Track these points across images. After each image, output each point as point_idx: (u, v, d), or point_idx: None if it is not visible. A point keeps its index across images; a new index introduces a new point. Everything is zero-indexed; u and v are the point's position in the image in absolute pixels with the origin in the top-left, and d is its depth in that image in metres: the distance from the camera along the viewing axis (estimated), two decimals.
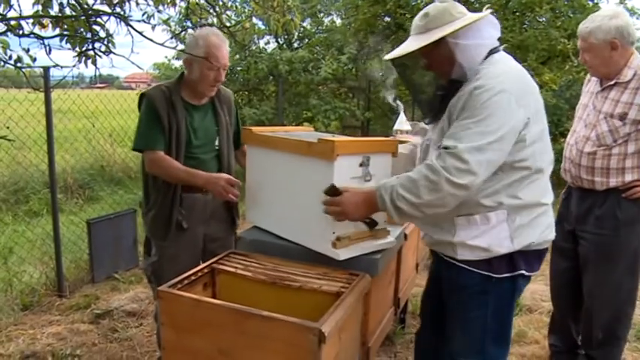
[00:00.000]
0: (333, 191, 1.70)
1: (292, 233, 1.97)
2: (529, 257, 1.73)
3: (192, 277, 1.75)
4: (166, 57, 9.14)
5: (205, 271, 1.82)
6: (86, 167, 7.19)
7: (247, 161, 2.17)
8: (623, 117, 2.26)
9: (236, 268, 1.84)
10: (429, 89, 1.88)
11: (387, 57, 1.78)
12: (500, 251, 1.68)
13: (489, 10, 1.71)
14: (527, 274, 1.74)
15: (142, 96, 2.30)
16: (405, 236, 2.32)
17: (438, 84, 1.81)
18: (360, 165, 1.83)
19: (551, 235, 1.78)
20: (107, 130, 6.85)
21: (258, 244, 2.00)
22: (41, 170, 5.55)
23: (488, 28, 1.71)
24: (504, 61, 1.71)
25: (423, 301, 2.15)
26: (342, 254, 1.79)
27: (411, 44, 1.71)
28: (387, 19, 9.15)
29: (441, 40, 1.65)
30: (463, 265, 1.74)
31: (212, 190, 2.21)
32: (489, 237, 1.67)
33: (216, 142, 2.38)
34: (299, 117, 8.00)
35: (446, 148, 1.55)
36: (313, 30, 10.46)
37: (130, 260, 4.18)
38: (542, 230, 1.73)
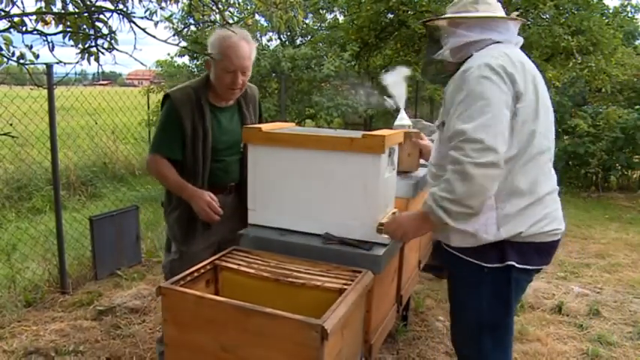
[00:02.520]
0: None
1: (321, 227, 1.98)
2: (523, 249, 1.72)
3: (195, 274, 1.75)
4: (169, 54, 9.14)
5: (208, 267, 1.82)
6: (89, 164, 7.21)
7: (252, 162, 2.09)
8: None
9: (239, 265, 1.84)
10: (432, 66, 2.03)
11: (424, 20, 2.00)
12: (487, 238, 1.70)
13: (514, 14, 1.84)
14: (519, 265, 1.72)
15: (166, 97, 2.24)
16: None
17: (438, 63, 1.96)
18: (389, 155, 1.96)
19: (550, 227, 1.74)
20: (110, 127, 6.87)
21: (261, 241, 2.00)
22: (44, 167, 5.57)
23: (487, 32, 1.79)
24: (502, 48, 1.74)
25: None
26: (386, 237, 1.92)
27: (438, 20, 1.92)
28: (390, 15, 9.13)
29: (444, 25, 1.83)
30: (457, 253, 1.79)
31: (194, 208, 2.19)
32: (477, 223, 1.70)
33: (242, 144, 2.33)
34: (302, 114, 8.01)
35: (456, 135, 1.59)
36: (316, 27, 10.44)
37: (132, 257, 4.18)
38: (535, 221, 1.71)
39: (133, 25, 2.16)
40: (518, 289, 1.82)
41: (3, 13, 1.97)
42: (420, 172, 2.60)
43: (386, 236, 1.86)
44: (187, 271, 1.73)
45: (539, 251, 1.77)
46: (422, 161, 2.61)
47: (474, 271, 1.76)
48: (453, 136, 1.61)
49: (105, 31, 2.22)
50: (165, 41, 2.19)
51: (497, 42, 1.77)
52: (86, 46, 2.22)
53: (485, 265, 1.73)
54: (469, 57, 1.76)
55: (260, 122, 2.47)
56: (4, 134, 2.05)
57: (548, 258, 1.82)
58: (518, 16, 1.86)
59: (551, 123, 1.77)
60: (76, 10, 2.24)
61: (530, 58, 1.80)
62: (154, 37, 2.11)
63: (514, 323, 1.93)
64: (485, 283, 1.76)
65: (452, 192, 1.57)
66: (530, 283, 1.91)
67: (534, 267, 1.78)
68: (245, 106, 2.37)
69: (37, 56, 2.13)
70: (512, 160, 1.66)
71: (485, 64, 1.63)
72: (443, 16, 1.88)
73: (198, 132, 2.19)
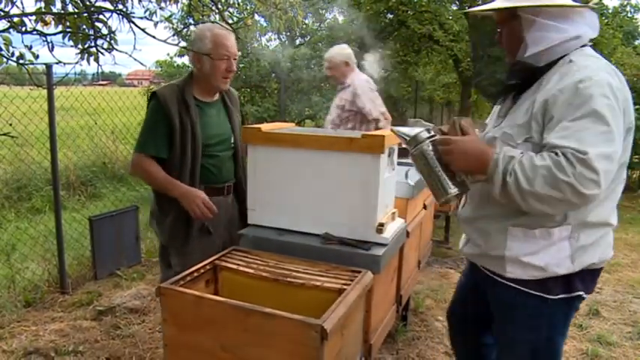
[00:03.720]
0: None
1: (321, 227, 1.98)
2: (586, 277, 1.57)
3: (195, 274, 1.75)
4: (168, 54, 9.14)
5: (207, 267, 1.82)
6: (88, 164, 7.20)
7: (252, 162, 2.09)
8: None
9: (238, 265, 1.84)
10: (493, 66, 1.76)
11: (466, 10, 1.79)
12: (558, 272, 1.52)
13: (592, 3, 1.58)
14: (585, 295, 1.58)
15: (153, 95, 2.24)
16: (407, 234, 2.32)
17: (506, 62, 1.65)
18: (389, 155, 1.97)
19: (611, 253, 1.61)
20: (109, 127, 6.86)
21: (261, 241, 2.00)
22: (44, 167, 5.56)
23: (579, 25, 1.51)
24: (598, 56, 1.52)
25: (455, 319, 2.05)
26: (386, 237, 1.94)
27: (492, 4, 1.57)
28: (390, 15, 9.14)
29: (517, 14, 1.51)
30: (512, 284, 1.58)
31: (186, 206, 2.15)
32: (548, 255, 1.51)
33: (232, 140, 2.35)
34: (301, 114, 8.01)
35: (571, 151, 1.33)
36: (315, 27, 10.44)
37: (132, 257, 4.18)
38: (603, 249, 1.57)
39: (132, 25, 2.16)
40: (573, 316, 1.69)
41: (2, 14, 1.97)
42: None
43: (386, 236, 1.85)
44: (187, 271, 1.74)
45: (595, 276, 1.63)
46: None
47: (533, 303, 1.57)
48: (563, 144, 1.36)
49: (104, 31, 2.23)
50: (164, 41, 2.19)
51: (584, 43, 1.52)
52: (86, 46, 2.23)
53: (550, 297, 1.55)
54: (559, 59, 1.50)
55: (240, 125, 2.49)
56: (4, 134, 2.05)
57: (597, 281, 1.68)
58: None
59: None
60: (76, 11, 2.24)
61: None
62: (154, 37, 2.11)
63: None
64: (547, 315, 1.58)
65: (529, 183, 1.36)
66: None
67: (591, 293, 1.64)
68: (230, 102, 2.40)
69: (36, 56, 2.13)
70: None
71: (607, 83, 1.40)
72: (529, 3, 1.49)
73: (187, 126, 2.17)
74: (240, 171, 2.37)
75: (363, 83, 3.83)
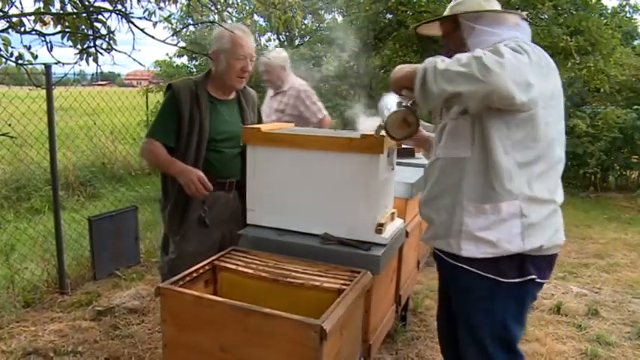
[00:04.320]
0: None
1: (320, 227, 1.99)
2: (540, 262, 1.65)
3: (194, 274, 1.75)
4: (168, 54, 9.15)
5: (207, 268, 1.82)
6: (87, 164, 7.19)
7: (252, 162, 2.10)
8: None
9: (237, 265, 1.84)
10: None
11: (412, 26, 1.88)
12: (509, 249, 1.60)
13: (523, 13, 1.74)
14: (538, 280, 1.65)
15: (169, 87, 2.34)
16: (407, 234, 2.32)
17: None
18: (388, 156, 1.98)
19: (562, 238, 1.69)
20: (108, 127, 6.86)
21: (260, 241, 2.00)
22: (43, 167, 5.56)
23: (513, 31, 1.68)
24: None
25: (438, 325, 2.08)
26: (385, 237, 1.94)
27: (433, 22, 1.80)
28: (389, 16, 9.14)
29: (459, 23, 1.70)
30: (467, 267, 1.66)
31: (183, 182, 2.21)
32: (499, 231, 1.60)
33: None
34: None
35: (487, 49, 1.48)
36: (315, 27, 10.45)
37: (131, 257, 4.18)
38: (553, 232, 1.65)
39: (131, 25, 2.16)
40: (531, 302, 1.76)
41: (1, 14, 1.97)
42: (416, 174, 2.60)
43: (385, 236, 1.86)
44: (186, 272, 1.74)
45: (550, 263, 1.71)
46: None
47: (487, 286, 1.64)
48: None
49: (103, 31, 2.23)
50: (163, 41, 2.20)
51: None
52: (85, 46, 2.23)
53: (504, 280, 1.63)
54: None
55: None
56: (3, 134, 2.05)
57: (552, 268, 1.76)
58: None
59: (564, 133, 1.70)
60: (75, 11, 2.24)
61: None
62: (153, 37, 2.12)
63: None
64: (502, 298, 1.65)
65: (443, 63, 1.47)
66: None
67: (547, 279, 1.72)
68: (245, 102, 2.45)
69: (35, 56, 2.13)
70: (532, 164, 1.59)
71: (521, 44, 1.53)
72: (450, 13, 1.75)
73: (195, 118, 2.26)
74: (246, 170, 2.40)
75: (304, 87, 3.84)
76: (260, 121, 2.58)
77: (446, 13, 1.79)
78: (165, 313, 1.61)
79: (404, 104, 1.69)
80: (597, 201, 7.42)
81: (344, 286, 1.65)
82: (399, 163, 2.16)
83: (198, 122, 2.26)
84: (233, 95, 2.43)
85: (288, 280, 1.73)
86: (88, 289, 3.69)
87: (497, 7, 1.75)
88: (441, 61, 1.49)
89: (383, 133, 1.75)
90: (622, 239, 5.41)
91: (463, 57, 1.47)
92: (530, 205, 1.59)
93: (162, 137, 2.29)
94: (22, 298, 3.41)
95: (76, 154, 7.08)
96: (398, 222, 2.17)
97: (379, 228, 1.90)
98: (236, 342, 1.50)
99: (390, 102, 1.80)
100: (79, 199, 6.32)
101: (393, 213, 2.12)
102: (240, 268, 1.81)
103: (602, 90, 8.54)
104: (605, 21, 8.68)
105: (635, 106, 8.07)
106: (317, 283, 1.69)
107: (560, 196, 1.68)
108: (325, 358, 1.41)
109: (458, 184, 1.66)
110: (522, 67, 1.45)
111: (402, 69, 1.65)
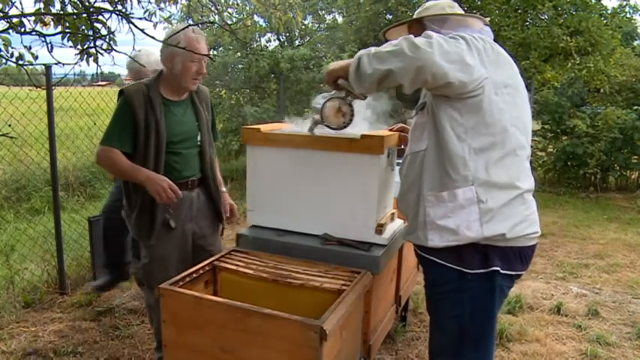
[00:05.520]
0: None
1: (320, 228, 1.99)
2: (506, 253, 1.64)
3: (194, 275, 1.75)
4: None
5: (207, 268, 1.82)
6: (87, 165, 7.18)
7: (252, 163, 2.11)
8: None
9: (237, 265, 1.84)
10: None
11: (382, 32, 1.92)
12: (469, 235, 1.60)
13: (485, 19, 1.79)
14: (503, 271, 1.64)
15: (121, 92, 2.31)
16: None
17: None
18: (387, 156, 2.00)
19: (531, 229, 1.67)
20: None
21: (260, 241, 2.01)
22: (43, 168, 5.56)
23: (477, 33, 1.71)
24: None
25: None
26: (385, 237, 1.95)
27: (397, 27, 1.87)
28: (389, 16, 9.14)
29: (426, 27, 1.74)
30: (434, 259, 1.69)
31: (152, 190, 2.17)
32: (458, 218, 1.61)
33: (198, 138, 2.39)
34: (300, 115, 8.00)
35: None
36: (315, 28, 10.45)
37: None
38: (518, 221, 1.63)
39: (131, 25, 2.16)
40: (501, 296, 1.73)
41: (2, 14, 1.97)
42: None
43: (385, 236, 1.87)
44: (186, 272, 1.74)
45: (522, 256, 1.69)
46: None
47: (454, 278, 1.66)
48: None
49: (104, 31, 2.22)
50: (164, 42, 2.20)
51: None
52: (85, 46, 2.23)
53: (468, 271, 1.64)
54: None
55: (214, 122, 2.58)
56: (3, 135, 2.05)
57: (529, 263, 1.75)
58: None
59: (529, 123, 1.73)
60: (75, 11, 2.24)
61: (528, 58, 1.78)
62: (153, 37, 2.11)
63: (497, 330, 1.81)
64: (468, 290, 1.66)
65: (378, 49, 1.58)
66: (528, 285, 1.88)
67: (517, 272, 1.71)
68: (198, 101, 2.44)
69: (35, 57, 2.13)
70: (489, 150, 1.60)
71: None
72: (414, 17, 1.84)
73: (150, 122, 2.23)
74: (206, 167, 2.42)
75: None
76: (213, 119, 2.57)
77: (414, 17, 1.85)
78: (166, 314, 1.61)
79: (337, 95, 1.80)
80: (597, 201, 7.42)
81: (344, 287, 1.65)
82: (398, 164, 2.16)
83: (154, 126, 2.23)
84: (186, 95, 2.40)
85: (288, 280, 1.73)
86: (87, 290, 3.69)
87: (461, 12, 1.81)
88: (374, 48, 1.59)
89: (318, 129, 1.83)
90: (622, 239, 5.41)
91: (395, 41, 1.56)
92: (487, 190, 1.60)
93: (119, 144, 2.24)
94: (22, 299, 3.41)
95: (76, 155, 7.07)
96: (398, 222, 2.17)
97: (379, 228, 1.91)
98: (236, 342, 1.50)
99: (323, 99, 1.89)
100: (78, 200, 6.32)
101: (393, 213, 2.12)
102: (241, 269, 1.81)
103: (602, 90, 8.56)
104: (605, 21, 8.68)
105: (635, 107, 8.07)
106: (317, 284, 1.69)
107: (526, 182, 1.67)
108: (325, 359, 1.41)
109: (420, 175, 1.70)
110: (454, 48, 1.52)
111: (337, 63, 1.76)
